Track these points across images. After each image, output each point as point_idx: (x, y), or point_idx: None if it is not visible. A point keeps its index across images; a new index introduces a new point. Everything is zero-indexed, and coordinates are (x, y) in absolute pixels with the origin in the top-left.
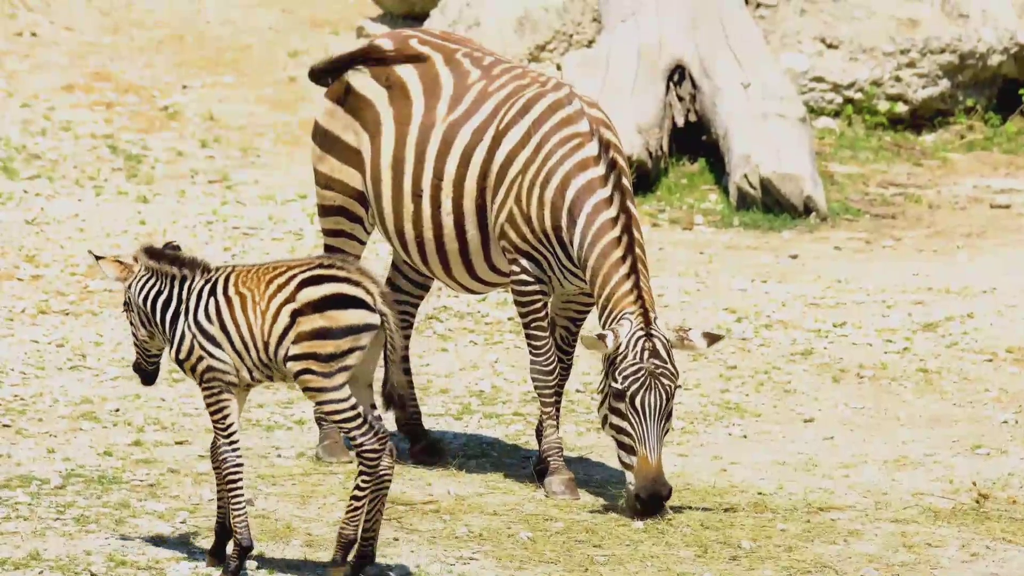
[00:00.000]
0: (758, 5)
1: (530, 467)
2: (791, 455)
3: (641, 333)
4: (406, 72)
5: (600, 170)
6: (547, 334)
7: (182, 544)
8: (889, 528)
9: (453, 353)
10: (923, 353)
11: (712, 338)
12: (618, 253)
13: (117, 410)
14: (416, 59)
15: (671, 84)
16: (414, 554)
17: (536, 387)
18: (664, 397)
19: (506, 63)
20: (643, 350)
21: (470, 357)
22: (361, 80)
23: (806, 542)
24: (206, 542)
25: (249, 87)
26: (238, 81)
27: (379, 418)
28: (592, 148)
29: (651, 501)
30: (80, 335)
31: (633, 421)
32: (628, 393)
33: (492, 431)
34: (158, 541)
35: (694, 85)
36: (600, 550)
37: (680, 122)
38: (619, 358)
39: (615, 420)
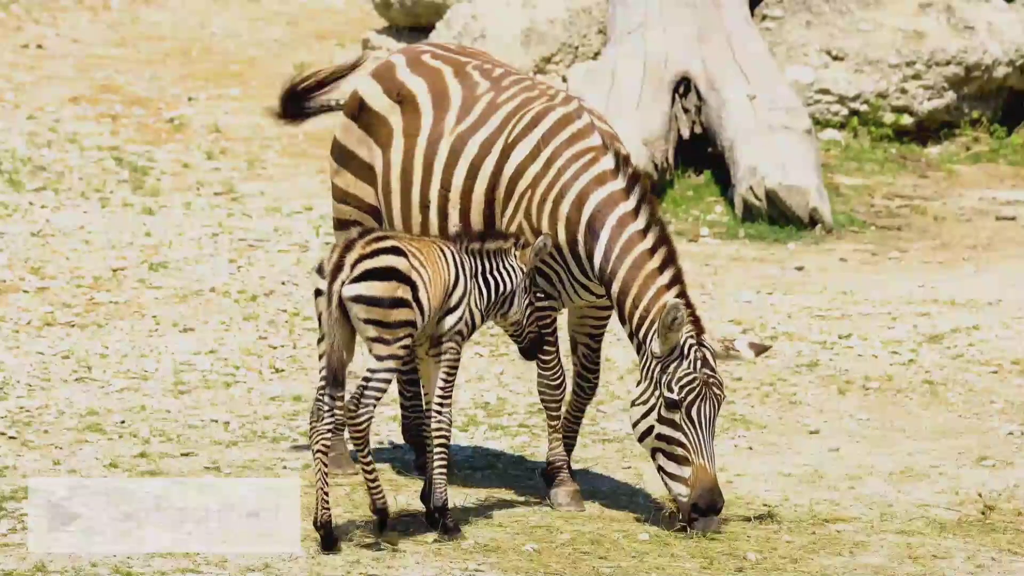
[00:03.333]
0: (764, 17)
1: (536, 479)
2: (796, 467)
3: (693, 341)
4: (416, 85)
5: (620, 183)
6: (555, 349)
7: (188, 555)
8: (895, 540)
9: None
10: (929, 365)
11: (759, 348)
12: (653, 264)
13: (123, 422)
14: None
15: (677, 96)
16: (420, 565)
17: (543, 401)
18: (716, 407)
19: (516, 75)
20: (696, 359)
21: (476, 369)
22: (373, 95)
23: (811, 554)
24: (211, 554)
25: (255, 99)
26: (244, 93)
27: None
28: (608, 162)
29: (709, 511)
30: (85, 347)
31: (688, 431)
32: (684, 403)
33: (498, 443)
34: (164, 552)
35: (700, 97)
36: (606, 562)
37: (686, 134)
38: (672, 366)
39: (665, 430)
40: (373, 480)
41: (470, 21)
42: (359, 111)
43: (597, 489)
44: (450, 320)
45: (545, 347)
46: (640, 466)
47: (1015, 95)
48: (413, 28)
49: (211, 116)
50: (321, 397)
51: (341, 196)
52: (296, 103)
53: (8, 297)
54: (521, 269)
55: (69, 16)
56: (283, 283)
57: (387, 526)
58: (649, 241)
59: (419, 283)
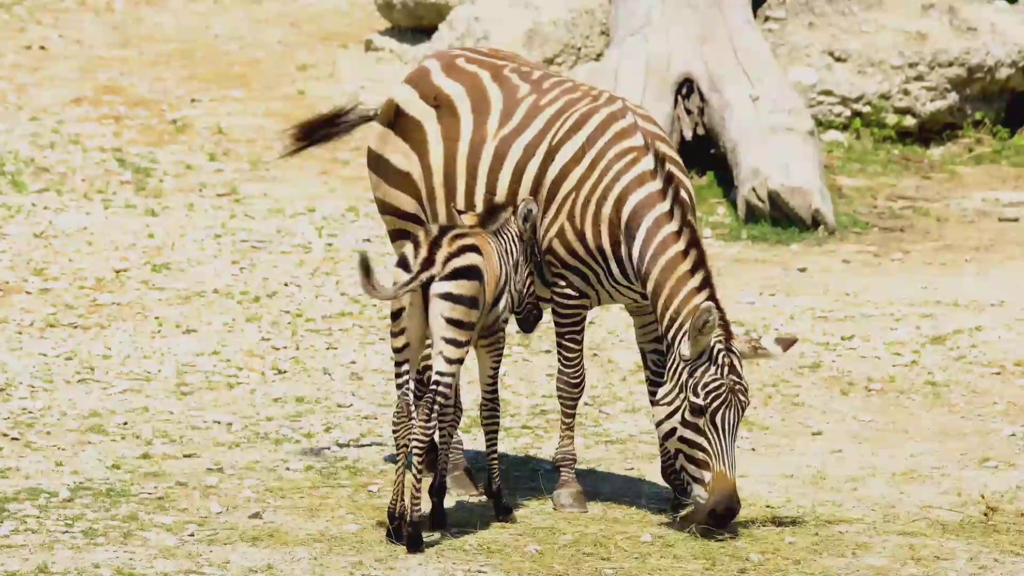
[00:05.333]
0: (766, 19)
1: (539, 480)
2: (799, 468)
3: (722, 346)
4: (454, 89)
5: (658, 184)
6: (580, 347)
7: (190, 557)
8: (897, 541)
9: (466, 366)
10: (931, 366)
11: (786, 343)
12: (685, 267)
13: (125, 423)
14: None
15: (679, 97)
16: (422, 567)
17: (560, 398)
18: (740, 414)
19: (555, 77)
20: (724, 365)
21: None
22: (409, 100)
23: (814, 555)
24: (214, 555)
25: (258, 101)
26: (247, 95)
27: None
28: (648, 162)
29: (726, 516)
30: (88, 348)
31: (711, 437)
32: (709, 409)
33: (500, 444)
34: (166, 554)
35: (702, 99)
36: (608, 563)
37: (688, 135)
38: (700, 370)
39: (688, 434)
40: (419, 491)
41: (472, 23)
42: (395, 117)
43: (600, 490)
44: (499, 308)
45: (571, 344)
46: (643, 467)
47: (1018, 96)
48: (416, 29)
49: (214, 117)
50: (407, 394)
51: (382, 207)
52: (308, 135)
53: (11, 298)
54: (521, 237)
55: (72, 17)
56: (286, 284)
57: (415, 542)
58: (682, 243)
59: (484, 281)
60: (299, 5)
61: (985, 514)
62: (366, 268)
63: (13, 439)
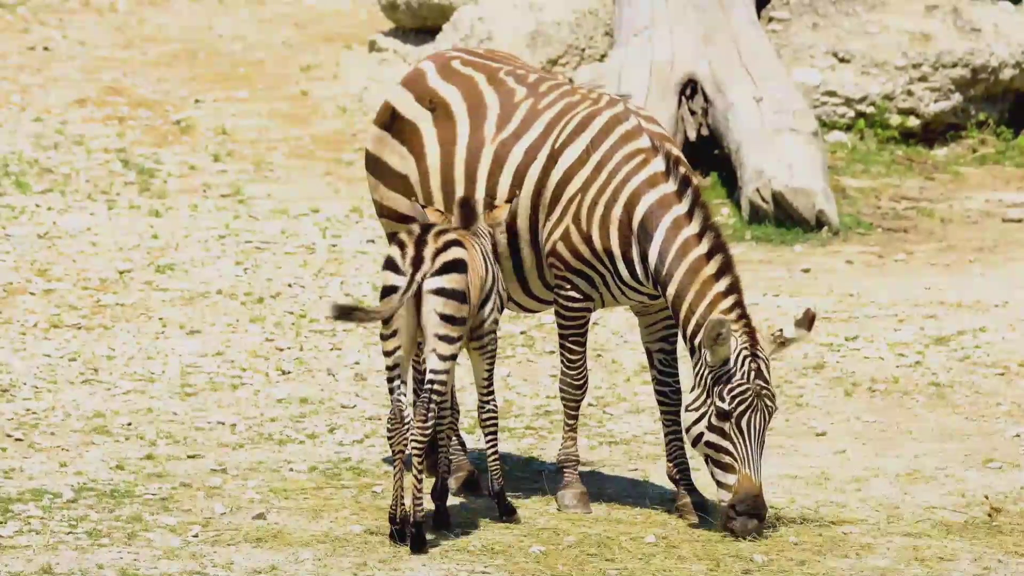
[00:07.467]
0: (770, 20)
1: (542, 481)
2: (803, 469)
3: (747, 352)
4: (449, 92)
5: (672, 186)
6: (583, 350)
7: (194, 558)
8: (901, 542)
9: (465, 367)
10: (935, 367)
11: (804, 320)
12: (709, 270)
13: (129, 424)
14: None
15: (683, 98)
16: (426, 567)
17: (563, 399)
18: (767, 419)
19: (552, 80)
20: (750, 370)
21: None
22: (405, 103)
23: (818, 556)
24: (218, 556)
25: (262, 101)
26: (251, 95)
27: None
28: (659, 164)
29: (748, 515)
30: (92, 349)
31: (736, 441)
32: (735, 414)
33: (504, 445)
34: (170, 555)
35: (706, 99)
36: (612, 564)
37: (692, 136)
38: (725, 376)
39: (714, 439)
40: (420, 491)
41: (476, 23)
42: (391, 120)
43: (604, 491)
44: (486, 309)
45: (574, 346)
46: (647, 468)
47: (1022, 97)
48: (420, 30)
49: (218, 118)
50: (399, 399)
51: (379, 210)
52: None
53: (15, 299)
54: (490, 232)
55: (76, 18)
56: (289, 285)
57: (418, 542)
58: (705, 246)
59: (469, 276)
60: (303, 6)
61: (989, 515)
62: (345, 312)
63: (17, 440)
